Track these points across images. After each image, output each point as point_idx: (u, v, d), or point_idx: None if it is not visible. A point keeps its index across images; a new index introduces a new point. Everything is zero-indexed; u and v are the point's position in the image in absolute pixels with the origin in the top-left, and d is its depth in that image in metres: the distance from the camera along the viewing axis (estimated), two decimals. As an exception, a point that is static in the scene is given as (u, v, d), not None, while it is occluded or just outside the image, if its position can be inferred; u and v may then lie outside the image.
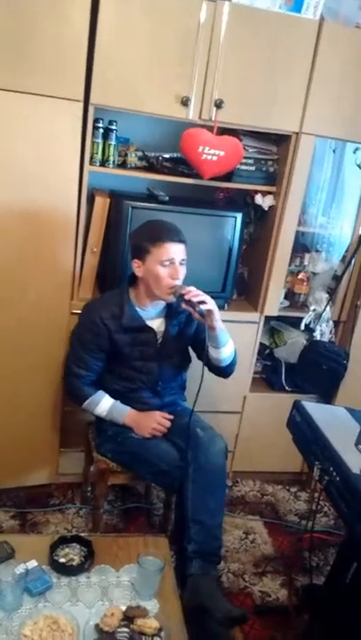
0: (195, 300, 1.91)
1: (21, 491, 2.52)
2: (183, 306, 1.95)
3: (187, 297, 1.92)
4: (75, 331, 2.13)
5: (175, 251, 1.95)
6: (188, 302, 1.92)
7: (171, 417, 2.13)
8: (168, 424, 2.11)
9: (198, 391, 1.93)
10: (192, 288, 1.94)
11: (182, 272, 1.98)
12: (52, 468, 2.55)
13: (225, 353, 2.10)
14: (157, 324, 2.10)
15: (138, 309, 2.06)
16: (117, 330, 2.03)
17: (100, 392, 2.14)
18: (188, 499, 1.95)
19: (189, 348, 2.23)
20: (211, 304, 1.95)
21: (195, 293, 1.93)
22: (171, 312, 2.11)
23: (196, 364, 2.19)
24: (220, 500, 2.02)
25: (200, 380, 1.92)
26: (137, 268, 2.00)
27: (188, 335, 2.16)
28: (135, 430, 2.10)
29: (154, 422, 2.10)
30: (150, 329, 2.07)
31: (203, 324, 2.00)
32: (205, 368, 2.13)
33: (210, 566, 1.93)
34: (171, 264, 1.95)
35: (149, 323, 2.07)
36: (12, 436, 2.38)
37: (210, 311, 1.95)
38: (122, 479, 2.21)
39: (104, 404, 2.12)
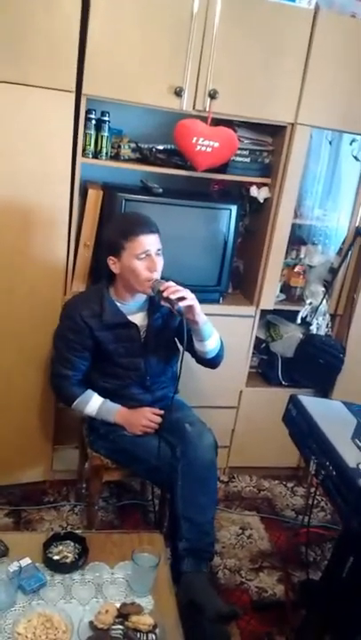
0: (173, 297, 1.87)
1: (15, 488, 2.50)
2: (162, 302, 1.92)
3: (165, 294, 1.87)
4: (57, 331, 2.10)
5: (149, 242, 1.91)
6: (167, 299, 1.88)
7: (161, 412, 2.09)
8: (158, 420, 2.08)
9: (178, 378, 1.94)
10: (170, 284, 1.90)
11: (160, 262, 1.95)
12: (47, 465, 2.53)
13: (210, 345, 2.07)
14: (140, 319, 2.06)
15: (118, 305, 2.03)
16: (99, 327, 2.00)
17: (89, 391, 2.11)
18: (178, 495, 1.92)
19: (176, 340, 2.19)
20: (190, 299, 1.90)
21: (173, 290, 1.87)
22: (153, 305, 2.06)
23: (187, 357, 2.17)
24: (211, 495, 1.99)
25: (180, 367, 1.91)
26: (113, 265, 1.96)
27: (173, 327, 2.12)
28: (126, 428, 2.07)
29: (144, 419, 2.06)
30: (133, 324, 2.03)
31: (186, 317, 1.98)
32: (194, 360, 2.13)
33: (202, 563, 1.91)
34: (147, 256, 1.91)
35: (131, 317, 2.04)
36: (5, 433, 2.36)
37: (191, 307, 1.91)
38: (116, 476, 2.18)
39: (93, 403, 2.09)
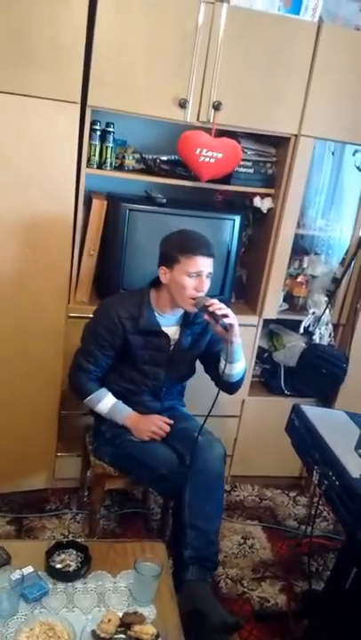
0: (218, 312, 1.90)
1: (17, 496, 2.50)
2: (206, 317, 1.95)
3: (210, 309, 1.91)
4: (89, 325, 2.10)
5: (204, 264, 1.94)
6: (212, 314, 1.91)
7: (171, 422, 2.11)
8: (168, 429, 2.09)
9: (213, 405, 1.93)
10: (215, 300, 1.94)
11: (207, 285, 1.97)
12: (49, 473, 2.53)
13: (237, 369, 2.08)
14: (172, 332, 2.08)
15: (156, 314, 2.04)
16: (133, 331, 2.01)
17: (104, 389, 2.12)
18: (186, 503, 1.93)
19: (198, 360, 2.21)
20: (233, 318, 1.93)
21: (218, 306, 1.92)
22: (187, 321, 2.09)
23: (200, 374, 2.19)
24: (218, 505, 2.01)
25: (215, 397, 1.93)
26: (163, 274, 1.98)
27: (200, 347, 2.14)
28: (134, 433, 2.08)
29: (154, 426, 2.07)
30: (165, 335, 2.05)
31: (219, 337, 2.03)
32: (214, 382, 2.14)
33: (206, 572, 1.92)
34: (198, 276, 1.94)
35: (165, 329, 2.05)
36: (8, 441, 2.37)
37: (232, 325, 1.94)
38: (119, 484, 2.19)
39: (107, 401, 2.10)
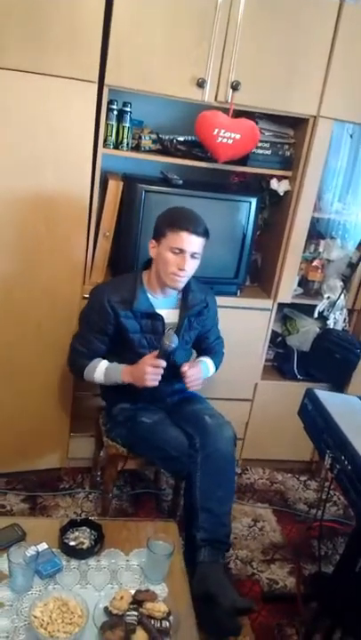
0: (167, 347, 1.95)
1: (32, 474, 2.53)
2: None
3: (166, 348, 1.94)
4: (83, 310, 2.12)
5: (189, 242, 1.91)
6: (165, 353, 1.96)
7: (163, 363, 1.98)
8: (163, 363, 1.97)
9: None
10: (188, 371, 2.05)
11: (191, 265, 1.94)
12: (63, 453, 2.56)
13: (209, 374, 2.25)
14: (168, 314, 2.06)
15: (150, 296, 2.04)
16: (126, 315, 2.00)
17: (96, 359, 2.08)
18: (197, 487, 1.94)
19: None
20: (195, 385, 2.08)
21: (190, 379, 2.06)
22: (185, 305, 2.08)
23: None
24: (229, 487, 2.01)
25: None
26: (152, 248, 1.98)
27: (196, 328, 2.15)
28: (136, 383, 1.99)
29: (147, 367, 1.96)
30: (159, 316, 2.03)
31: (209, 323, 2.19)
32: None
33: (218, 554, 1.93)
34: (180, 253, 1.92)
35: (160, 311, 2.04)
36: (23, 420, 2.39)
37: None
38: (132, 464, 2.20)
39: (100, 368, 2.06)
